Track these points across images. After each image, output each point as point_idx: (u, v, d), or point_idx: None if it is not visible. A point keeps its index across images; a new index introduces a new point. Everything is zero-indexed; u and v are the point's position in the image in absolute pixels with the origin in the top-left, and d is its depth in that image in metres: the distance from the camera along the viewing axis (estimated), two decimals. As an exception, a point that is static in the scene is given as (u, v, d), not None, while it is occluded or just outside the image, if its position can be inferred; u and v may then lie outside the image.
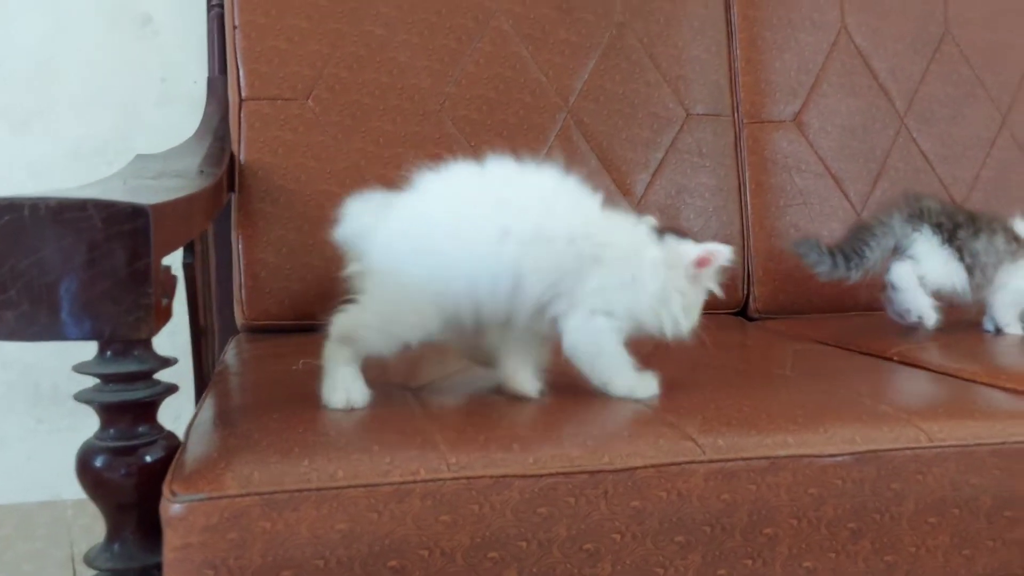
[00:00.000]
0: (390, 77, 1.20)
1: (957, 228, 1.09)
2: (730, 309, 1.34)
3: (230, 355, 1.01)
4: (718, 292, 0.79)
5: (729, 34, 1.37)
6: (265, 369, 0.90)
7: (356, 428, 0.65)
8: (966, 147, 1.42)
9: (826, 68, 1.39)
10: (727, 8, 1.37)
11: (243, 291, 1.11)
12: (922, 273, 1.08)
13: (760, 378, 0.84)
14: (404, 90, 1.21)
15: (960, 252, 1.09)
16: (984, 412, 0.72)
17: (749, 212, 1.35)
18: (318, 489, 0.56)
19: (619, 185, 1.29)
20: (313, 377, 0.82)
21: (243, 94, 1.15)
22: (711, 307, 1.27)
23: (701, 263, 0.76)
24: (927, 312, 1.07)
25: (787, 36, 1.38)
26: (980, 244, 1.09)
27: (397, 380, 0.80)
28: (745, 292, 1.34)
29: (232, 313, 1.14)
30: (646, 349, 0.74)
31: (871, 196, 1.38)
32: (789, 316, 1.34)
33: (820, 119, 1.38)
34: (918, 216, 1.09)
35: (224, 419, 0.69)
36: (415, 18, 1.23)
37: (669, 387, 0.76)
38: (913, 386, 0.82)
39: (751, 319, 1.34)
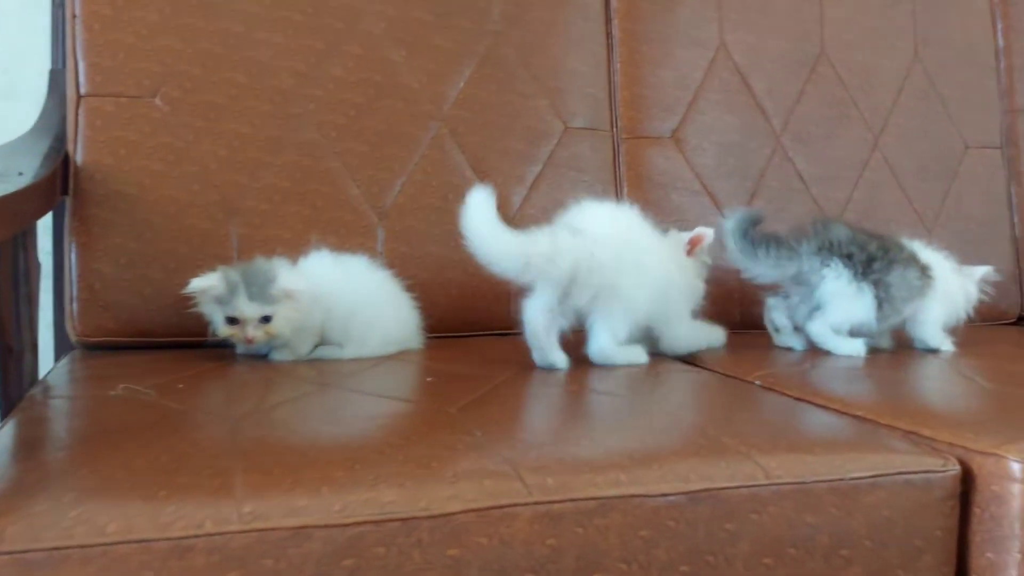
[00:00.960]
0: (248, 77, 1.13)
1: (871, 260, 1.07)
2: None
3: (53, 376, 0.92)
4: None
5: (609, 47, 1.36)
6: (82, 395, 0.82)
7: (150, 467, 0.58)
8: (840, 168, 1.44)
9: (704, 85, 1.38)
10: (607, 21, 1.36)
11: (75, 304, 1.02)
12: (831, 320, 1.07)
13: (605, 405, 0.81)
14: (263, 92, 1.14)
15: (875, 286, 1.07)
16: (826, 445, 0.71)
17: (627, 228, 1.33)
18: (82, 546, 0.49)
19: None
20: (131, 405, 0.75)
21: (82, 90, 1.06)
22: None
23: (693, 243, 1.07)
24: (856, 349, 1.08)
25: (666, 52, 1.37)
26: (894, 278, 1.07)
27: (219, 407, 0.74)
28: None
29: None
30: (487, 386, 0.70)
31: (747, 215, 1.38)
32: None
33: (697, 136, 1.37)
34: (828, 248, 1.07)
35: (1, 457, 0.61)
36: (278, 16, 1.16)
37: (515, 420, 0.72)
38: (763, 415, 0.80)
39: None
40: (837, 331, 1.09)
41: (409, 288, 1.13)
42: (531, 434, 0.70)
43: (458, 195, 1.21)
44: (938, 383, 0.97)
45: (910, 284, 1.08)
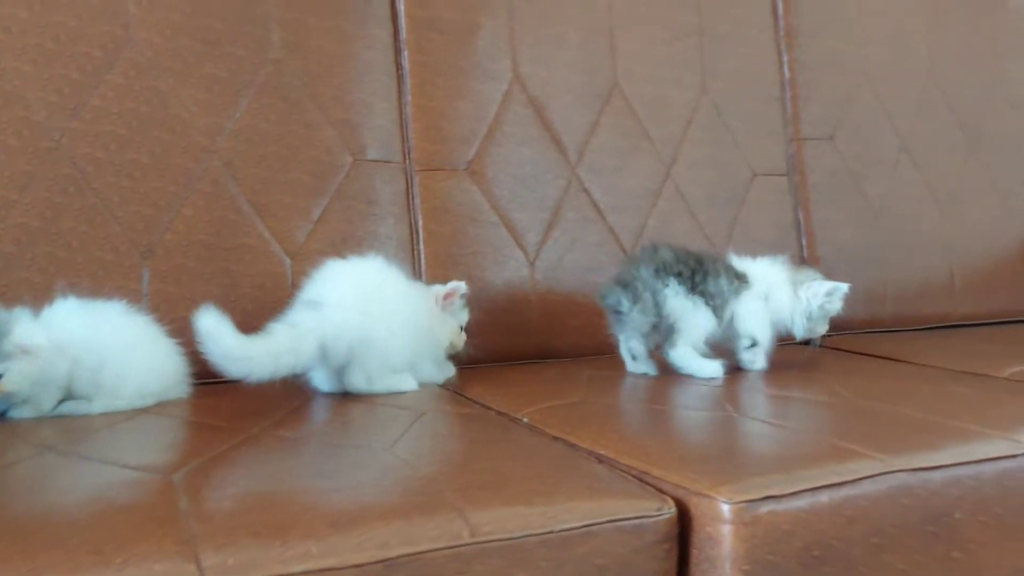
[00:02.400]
0: (-10, 109, 1.05)
1: (694, 274, 1.14)
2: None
3: None
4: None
5: (399, 79, 1.34)
6: None
7: None
8: (633, 197, 1.48)
9: (499, 117, 1.39)
10: (397, 52, 1.34)
11: None
12: (688, 339, 1.14)
13: (352, 458, 0.78)
14: (10, 124, 1.06)
15: (704, 296, 1.14)
16: (546, 494, 0.71)
17: (423, 262, 1.32)
18: None
19: (275, 233, 1.20)
20: None
21: None
22: None
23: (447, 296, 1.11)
24: (715, 371, 1.14)
25: (460, 84, 1.36)
26: (711, 285, 1.15)
27: None
28: (416, 343, 1.30)
29: None
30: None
31: (544, 245, 1.39)
32: (461, 368, 1.31)
33: (493, 167, 1.38)
34: (662, 269, 1.14)
35: None
36: (27, 44, 1.08)
37: (232, 482, 0.69)
38: (505, 460, 0.79)
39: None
40: (697, 348, 1.15)
41: (179, 331, 1.08)
42: (235, 500, 0.66)
43: (233, 230, 1.18)
44: (697, 415, 1.00)
45: (722, 290, 1.16)
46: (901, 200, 1.74)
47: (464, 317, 1.18)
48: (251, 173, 1.19)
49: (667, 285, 1.13)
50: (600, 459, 0.84)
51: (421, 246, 1.33)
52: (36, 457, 0.77)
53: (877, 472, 0.78)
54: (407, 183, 1.33)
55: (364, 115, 1.29)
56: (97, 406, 0.96)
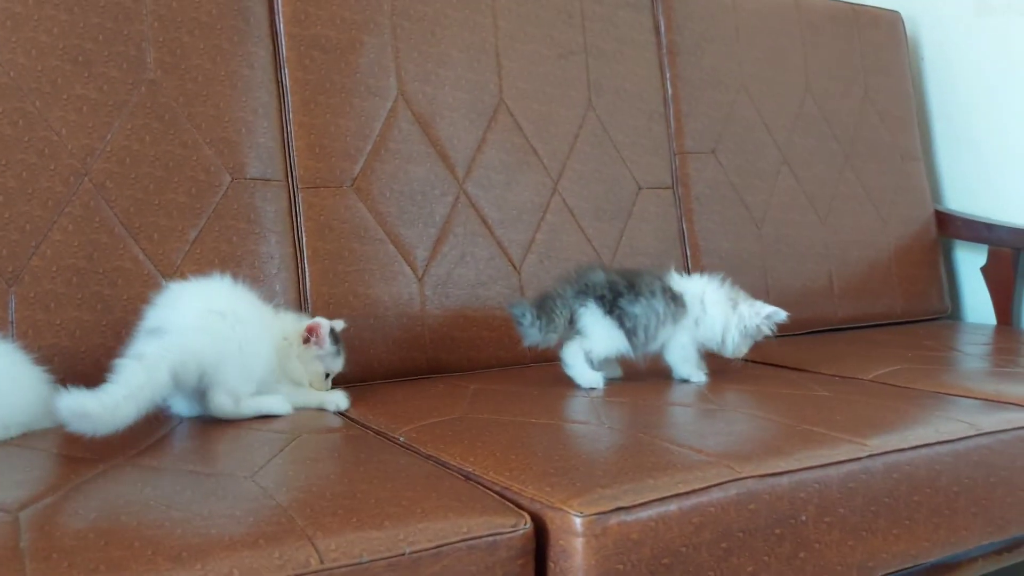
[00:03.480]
0: None
1: (617, 297, 1.19)
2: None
3: None
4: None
5: (280, 96, 1.33)
6: None
7: None
8: (521, 212, 1.51)
9: (384, 134, 1.39)
10: (277, 69, 1.33)
11: None
12: (588, 348, 1.19)
13: (210, 488, 0.78)
14: None
15: (620, 320, 1.19)
16: (398, 516, 0.72)
17: (308, 280, 1.32)
18: None
19: (151, 255, 1.19)
20: None
21: None
22: None
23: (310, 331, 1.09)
24: (595, 382, 1.19)
25: (343, 101, 1.37)
26: (639, 308, 1.19)
27: None
28: (303, 362, 1.30)
29: None
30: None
31: (432, 260, 1.41)
32: (350, 386, 1.31)
33: (379, 184, 1.38)
34: (584, 291, 1.20)
35: None
36: None
37: (89, 510, 0.68)
38: (367, 483, 0.80)
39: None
40: (595, 358, 1.20)
41: (47, 358, 1.05)
42: (77, 537, 0.65)
43: (106, 254, 1.16)
44: (568, 427, 1.02)
45: (657, 312, 1.20)
46: (781, 209, 1.82)
47: (336, 365, 1.15)
48: (125, 195, 1.17)
49: (584, 305, 1.19)
50: (467, 476, 0.86)
51: (306, 264, 1.32)
52: None
53: (725, 480, 0.82)
54: (290, 201, 1.33)
55: (243, 133, 1.28)
56: (-45, 440, 0.92)
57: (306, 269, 1.32)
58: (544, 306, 1.18)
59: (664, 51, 1.74)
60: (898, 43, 2.06)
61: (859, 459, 0.92)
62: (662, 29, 1.74)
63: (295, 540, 0.66)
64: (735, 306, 1.26)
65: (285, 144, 1.33)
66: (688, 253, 1.70)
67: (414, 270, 1.40)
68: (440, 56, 1.46)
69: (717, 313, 1.26)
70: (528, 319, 1.18)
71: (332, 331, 1.14)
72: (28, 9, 1.14)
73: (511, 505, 0.77)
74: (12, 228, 1.10)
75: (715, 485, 0.81)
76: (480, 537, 0.71)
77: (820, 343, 1.68)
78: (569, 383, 1.22)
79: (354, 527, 0.69)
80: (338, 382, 1.30)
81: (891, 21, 2.06)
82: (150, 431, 0.99)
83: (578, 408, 1.13)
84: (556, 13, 1.59)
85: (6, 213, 1.09)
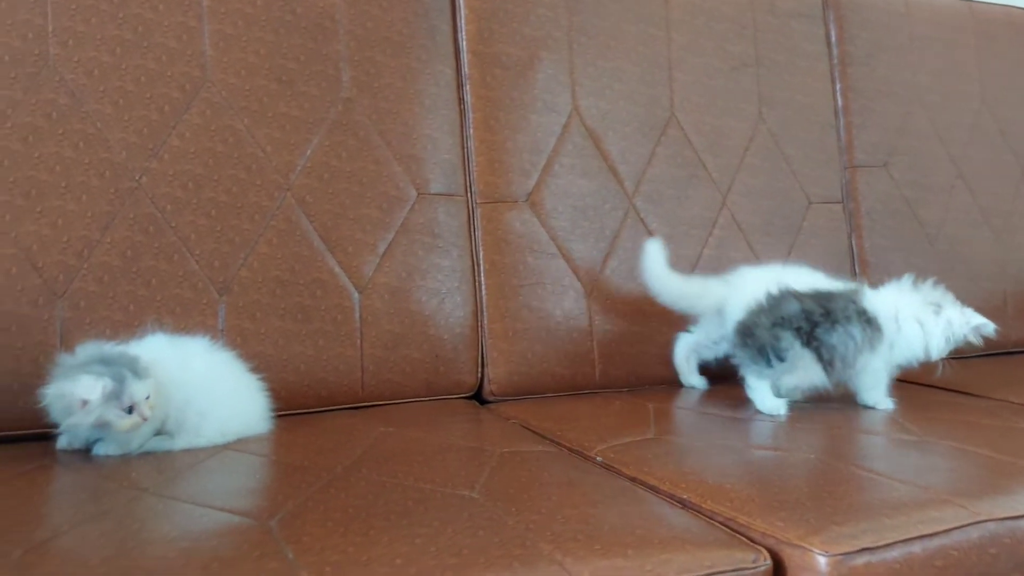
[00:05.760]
0: (75, 151, 1.08)
1: (814, 327, 1.14)
2: (464, 392, 1.31)
3: None
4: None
5: (462, 113, 1.36)
6: None
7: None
8: (690, 226, 1.49)
9: (558, 149, 1.40)
10: (459, 87, 1.36)
11: None
12: (782, 381, 1.15)
13: (440, 503, 0.80)
14: (92, 165, 1.09)
15: (818, 351, 1.14)
16: (640, 543, 0.72)
17: (484, 293, 1.34)
18: None
19: (345, 267, 1.23)
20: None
21: None
22: (446, 391, 1.29)
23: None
24: (778, 410, 1.16)
25: (520, 117, 1.38)
26: (836, 337, 1.14)
27: (14, 533, 0.69)
28: (479, 374, 1.32)
29: None
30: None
31: (601, 275, 1.40)
32: (523, 398, 1.33)
33: (553, 199, 1.39)
34: (780, 324, 1.15)
35: None
36: (109, 87, 1.11)
37: (324, 536, 0.70)
38: (590, 505, 0.80)
39: (486, 402, 1.33)
40: (785, 388, 1.16)
41: (255, 365, 1.10)
42: (344, 551, 0.68)
43: (305, 266, 1.20)
44: (786, 455, 1.00)
45: (855, 339, 1.15)
46: (955, 225, 1.74)
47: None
48: (323, 209, 1.22)
49: (781, 340, 1.14)
50: (683, 504, 0.85)
51: (482, 277, 1.34)
52: (135, 501, 0.79)
53: (966, 522, 0.79)
54: (469, 215, 1.35)
55: (429, 150, 1.31)
56: (179, 443, 0.98)
57: (482, 282, 1.34)
58: (750, 341, 1.15)
59: (836, 62, 1.68)
60: (1083, 49, 1.94)
61: (1099, 503, 0.86)
62: (833, 39, 1.68)
63: (547, 565, 0.67)
64: (938, 311, 1.20)
65: (465, 160, 1.36)
66: (857, 270, 1.64)
67: (583, 285, 1.40)
68: (614, 70, 1.45)
69: (914, 331, 1.20)
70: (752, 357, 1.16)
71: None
72: (238, 30, 1.20)
73: (743, 539, 0.76)
74: (223, 240, 1.15)
75: (956, 528, 0.77)
76: (724, 572, 0.70)
77: (993, 366, 1.59)
78: (745, 404, 1.19)
79: (598, 554, 0.69)
80: (513, 395, 1.32)
81: (1075, 26, 1.94)
82: (356, 437, 1.03)
83: (769, 433, 1.10)
84: (729, 25, 1.56)
85: (218, 226, 1.15)
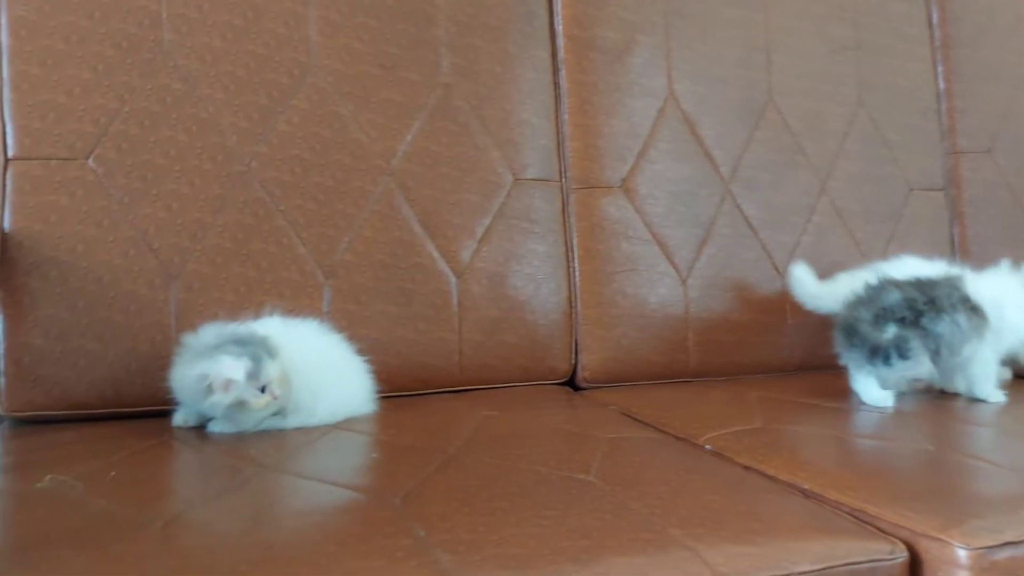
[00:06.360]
0: (189, 135, 1.10)
1: (918, 317, 1.11)
2: (558, 379, 1.31)
3: (-22, 459, 0.88)
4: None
5: (557, 98, 1.35)
6: (7, 489, 0.78)
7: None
8: (788, 213, 1.46)
9: (654, 134, 1.38)
10: (555, 71, 1.35)
11: (2, 379, 0.98)
12: (899, 373, 1.12)
13: (559, 486, 0.79)
14: (205, 149, 1.11)
15: (924, 341, 1.11)
16: (770, 531, 0.70)
17: (577, 279, 1.33)
18: None
19: (443, 252, 1.23)
20: (56, 504, 0.72)
21: (9, 153, 1.02)
22: (540, 377, 1.28)
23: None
24: (884, 402, 1.12)
25: (616, 101, 1.37)
26: (943, 326, 1.11)
27: (149, 505, 0.71)
28: (573, 361, 1.32)
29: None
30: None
31: (696, 262, 1.38)
32: (617, 385, 1.32)
33: (648, 185, 1.37)
34: (882, 316, 1.11)
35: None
36: (220, 72, 1.13)
37: (458, 510, 0.71)
38: (709, 493, 0.79)
39: (579, 388, 1.32)
40: (895, 385, 1.13)
41: (359, 348, 1.11)
42: (474, 530, 0.68)
43: (407, 250, 1.21)
44: (903, 446, 0.97)
45: (961, 328, 1.11)
46: (1063, 215, 1.67)
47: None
48: (424, 194, 1.22)
49: (884, 332, 1.10)
50: (805, 493, 0.83)
51: (576, 263, 1.33)
52: (261, 476, 0.81)
53: (1111, 519, 0.75)
54: (563, 201, 1.34)
55: (527, 135, 1.31)
56: (291, 422, 0.99)
57: (576, 268, 1.33)
58: (857, 340, 1.12)
59: (938, 44, 1.62)
60: None
61: None
62: (935, 21, 1.63)
63: (678, 550, 0.66)
64: None
65: (560, 145, 1.35)
66: (958, 260, 1.59)
67: (678, 271, 1.38)
68: (711, 54, 1.43)
69: (1018, 318, 1.16)
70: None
71: None
72: (343, 17, 1.21)
73: (874, 530, 0.74)
74: (329, 225, 1.17)
75: (1101, 524, 0.74)
76: (860, 563, 0.68)
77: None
78: (848, 394, 1.16)
79: (728, 541, 0.68)
80: (607, 382, 1.31)
81: None
82: (460, 420, 1.03)
83: (877, 424, 1.07)
84: (828, 8, 1.52)
85: (324, 211, 1.17)
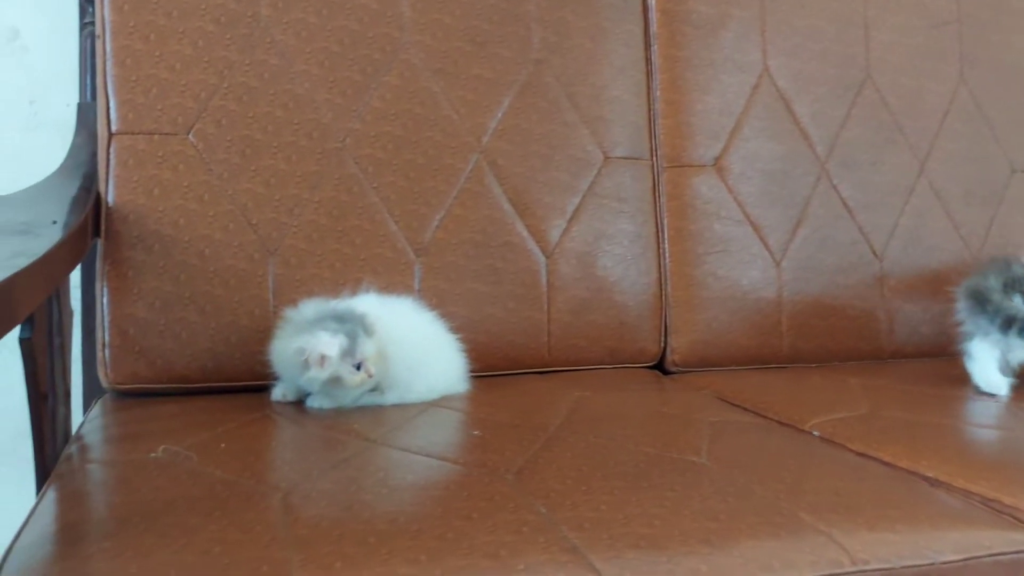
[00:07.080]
0: (285, 111, 1.10)
1: None
2: (646, 362, 1.28)
3: (88, 430, 0.89)
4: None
5: (648, 74, 1.32)
6: (120, 459, 0.79)
7: (201, 563, 0.55)
8: (885, 194, 1.40)
9: (747, 111, 1.34)
10: (647, 47, 1.32)
11: (108, 351, 0.99)
12: (1016, 356, 1.08)
13: (672, 468, 0.77)
14: (301, 125, 1.11)
15: None
16: (906, 519, 0.67)
17: (667, 260, 1.30)
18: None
19: (533, 231, 1.21)
20: (173, 473, 0.72)
21: (113, 128, 1.03)
22: (629, 359, 1.26)
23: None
24: (1000, 388, 1.07)
25: (709, 77, 1.33)
26: None
27: (266, 475, 0.71)
28: (663, 344, 1.29)
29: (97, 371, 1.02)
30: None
31: (790, 244, 1.34)
32: (708, 369, 1.29)
33: (741, 164, 1.33)
34: (1011, 285, 1.08)
35: (40, 550, 0.58)
36: (315, 47, 1.13)
37: (575, 488, 0.69)
38: (831, 479, 0.76)
39: (668, 372, 1.29)
40: (1015, 361, 1.08)
41: (450, 326, 1.10)
42: (596, 508, 0.66)
43: (497, 228, 1.20)
44: (1019, 435, 0.93)
45: None
46: None
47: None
48: (514, 172, 1.21)
49: (1013, 301, 1.06)
50: (930, 482, 0.79)
51: (666, 244, 1.30)
52: (369, 450, 0.80)
53: None
54: (654, 180, 1.31)
55: (618, 112, 1.28)
56: (389, 398, 0.98)
57: (666, 249, 1.30)
58: (989, 307, 1.07)
59: (1046, 17, 1.54)
60: None
61: None
62: (1045, -8, 1.55)
63: (814, 535, 0.63)
64: None
65: (651, 122, 1.32)
66: (1064, 245, 1.51)
67: (772, 254, 1.34)
68: (807, 29, 1.38)
69: None
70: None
71: None
72: (435, -8, 1.19)
73: (1013, 520, 0.70)
74: (420, 202, 1.16)
75: None
76: (1005, 554, 0.65)
77: None
78: (956, 382, 1.11)
79: (864, 527, 0.65)
80: (697, 366, 1.28)
81: None
82: (554, 399, 1.02)
83: (993, 412, 1.03)
84: (931, -21, 1.46)
85: (416, 188, 1.16)
